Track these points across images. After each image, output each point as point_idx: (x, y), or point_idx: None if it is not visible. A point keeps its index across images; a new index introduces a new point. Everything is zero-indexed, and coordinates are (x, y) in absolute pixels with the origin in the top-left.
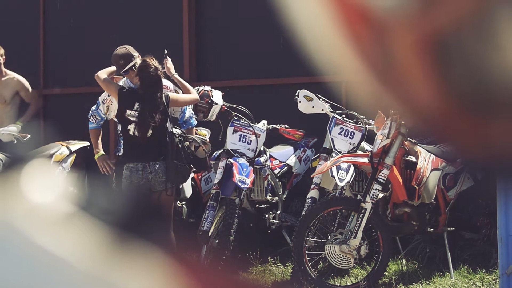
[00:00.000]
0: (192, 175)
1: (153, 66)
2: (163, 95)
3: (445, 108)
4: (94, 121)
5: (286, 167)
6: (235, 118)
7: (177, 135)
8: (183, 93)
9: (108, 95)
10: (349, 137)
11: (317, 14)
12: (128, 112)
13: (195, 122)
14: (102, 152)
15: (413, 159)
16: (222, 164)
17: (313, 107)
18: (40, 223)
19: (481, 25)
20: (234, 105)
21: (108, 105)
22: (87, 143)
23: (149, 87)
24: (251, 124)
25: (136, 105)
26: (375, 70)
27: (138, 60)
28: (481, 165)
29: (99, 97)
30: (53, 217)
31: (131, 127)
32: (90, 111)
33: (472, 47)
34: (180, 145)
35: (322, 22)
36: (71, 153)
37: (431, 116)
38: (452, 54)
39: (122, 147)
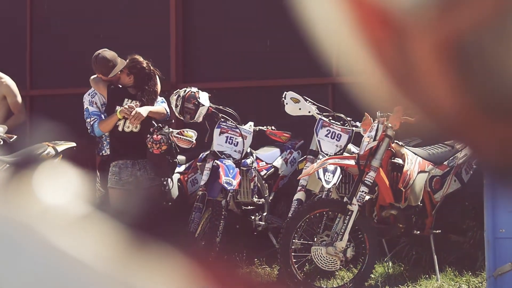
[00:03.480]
0: (178, 176)
1: (144, 62)
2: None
3: (464, 111)
4: (95, 119)
5: (273, 169)
6: (222, 119)
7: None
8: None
9: (92, 98)
10: (336, 139)
11: (332, 15)
12: (118, 108)
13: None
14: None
15: (400, 161)
16: (208, 165)
17: (300, 109)
18: (54, 224)
19: (502, 29)
20: (220, 107)
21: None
22: (73, 144)
23: (146, 82)
24: (238, 125)
25: (125, 101)
26: (392, 73)
27: (123, 62)
28: (498, 169)
29: (86, 104)
30: (67, 217)
31: (120, 123)
32: (87, 122)
33: (492, 51)
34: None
35: (338, 24)
36: (57, 153)
37: (450, 119)
38: (471, 58)
39: (107, 146)
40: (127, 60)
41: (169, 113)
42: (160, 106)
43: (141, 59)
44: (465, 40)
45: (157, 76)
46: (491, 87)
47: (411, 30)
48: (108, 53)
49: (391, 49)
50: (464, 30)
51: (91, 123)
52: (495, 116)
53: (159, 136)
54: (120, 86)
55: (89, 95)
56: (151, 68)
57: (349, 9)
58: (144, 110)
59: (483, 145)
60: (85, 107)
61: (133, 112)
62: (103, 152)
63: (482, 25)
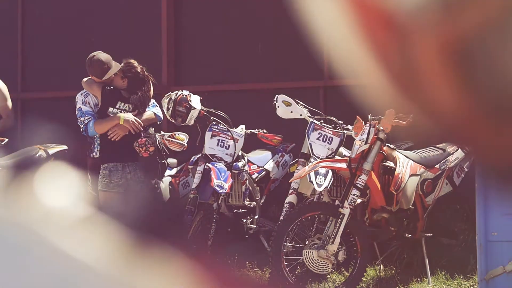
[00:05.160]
0: (170, 179)
1: (139, 67)
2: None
3: (468, 114)
4: (89, 118)
5: (264, 172)
6: (213, 122)
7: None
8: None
9: (85, 98)
10: (328, 142)
11: (327, 18)
12: (111, 109)
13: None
14: (121, 114)
15: (392, 164)
16: (200, 168)
17: (291, 112)
18: (53, 226)
19: (506, 31)
20: (212, 110)
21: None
22: (64, 147)
23: (140, 87)
24: (229, 129)
25: (119, 104)
26: (395, 75)
27: (118, 66)
28: (501, 172)
29: (79, 104)
30: (66, 220)
31: None
32: (80, 120)
33: (496, 53)
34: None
35: (330, 26)
36: (49, 156)
37: (453, 121)
38: (476, 60)
39: (98, 148)
40: (122, 64)
41: (161, 117)
42: (150, 110)
43: (136, 63)
44: (469, 42)
45: (150, 82)
46: (495, 88)
47: (414, 32)
48: (103, 55)
49: (394, 51)
50: (468, 32)
51: (85, 122)
52: (498, 118)
53: (143, 139)
54: (113, 87)
55: (82, 94)
56: (146, 73)
57: (352, 12)
58: (123, 130)
59: (484, 147)
60: (77, 107)
61: (114, 133)
62: (94, 154)
63: (485, 27)
